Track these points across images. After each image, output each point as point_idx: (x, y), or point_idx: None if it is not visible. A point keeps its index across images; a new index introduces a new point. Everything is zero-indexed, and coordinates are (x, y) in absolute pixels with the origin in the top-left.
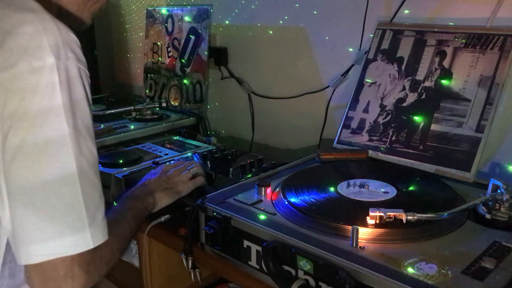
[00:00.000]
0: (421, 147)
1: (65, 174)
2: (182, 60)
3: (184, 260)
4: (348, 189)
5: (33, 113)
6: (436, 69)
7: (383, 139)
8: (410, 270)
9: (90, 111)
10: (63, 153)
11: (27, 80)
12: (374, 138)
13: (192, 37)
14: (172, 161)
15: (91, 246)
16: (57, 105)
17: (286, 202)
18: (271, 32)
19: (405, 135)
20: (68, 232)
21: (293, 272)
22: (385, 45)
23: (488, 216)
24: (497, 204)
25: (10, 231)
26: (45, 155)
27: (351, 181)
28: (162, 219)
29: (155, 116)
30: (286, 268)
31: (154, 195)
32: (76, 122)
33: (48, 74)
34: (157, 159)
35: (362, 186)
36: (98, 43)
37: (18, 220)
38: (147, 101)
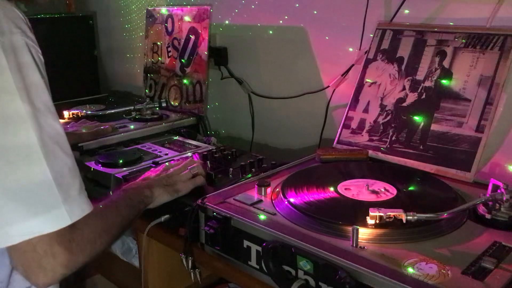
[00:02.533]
0: (421, 147)
1: (29, 153)
2: (182, 60)
3: (184, 260)
4: (348, 189)
5: None
6: (436, 69)
7: (383, 139)
8: (410, 270)
9: (47, 88)
10: (23, 131)
11: None
12: (374, 138)
13: (192, 37)
14: (172, 161)
15: (68, 222)
16: (7, 83)
17: (286, 202)
18: (271, 32)
19: (405, 135)
20: (41, 210)
21: (293, 272)
22: (385, 45)
23: (488, 216)
24: (497, 204)
25: None
26: (5, 135)
27: (351, 181)
28: (162, 219)
29: (155, 116)
30: (286, 268)
31: (152, 189)
32: (32, 100)
33: None
34: (157, 159)
35: (362, 186)
36: (98, 43)
37: None
38: (147, 101)
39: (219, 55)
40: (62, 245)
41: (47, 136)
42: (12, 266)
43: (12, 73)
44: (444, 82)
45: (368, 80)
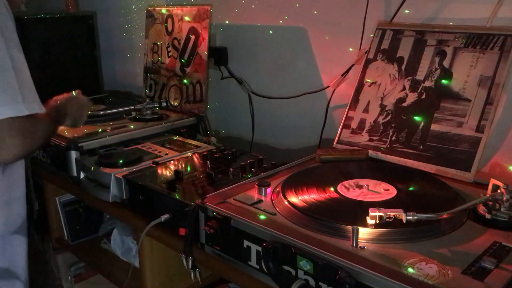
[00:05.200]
0: (421, 147)
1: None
2: (182, 60)
3: (184, 260)
4: (348, 189)
5: None
6: (436, 69)
7: (383, 139)
8: (410, 270)
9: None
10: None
11: None
12: (374, 138)
13: (192, 37)
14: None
15: (26, 113)
16: None
17: (286, 202)
18: (271, 32)
19: (405, 135)
20: (8, 102)
21: (293, 272)
22: (385, 45)
23: (488, 216)
24: (497, 204)
25: None
26: None
27: (351, 181)
28: (162, 219)
29: (155, 116)
30: (286, 268)
31: (66, 117)
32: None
33: None
34: (157, 159)
35: (362, 186)
36: (98, 43)
37: None
38: (147, 101)
39: (219, 55)
40: (19, 130)
41: (15, 47)
42: None
43: None
44: (444, 82)
45: (368, 80)
